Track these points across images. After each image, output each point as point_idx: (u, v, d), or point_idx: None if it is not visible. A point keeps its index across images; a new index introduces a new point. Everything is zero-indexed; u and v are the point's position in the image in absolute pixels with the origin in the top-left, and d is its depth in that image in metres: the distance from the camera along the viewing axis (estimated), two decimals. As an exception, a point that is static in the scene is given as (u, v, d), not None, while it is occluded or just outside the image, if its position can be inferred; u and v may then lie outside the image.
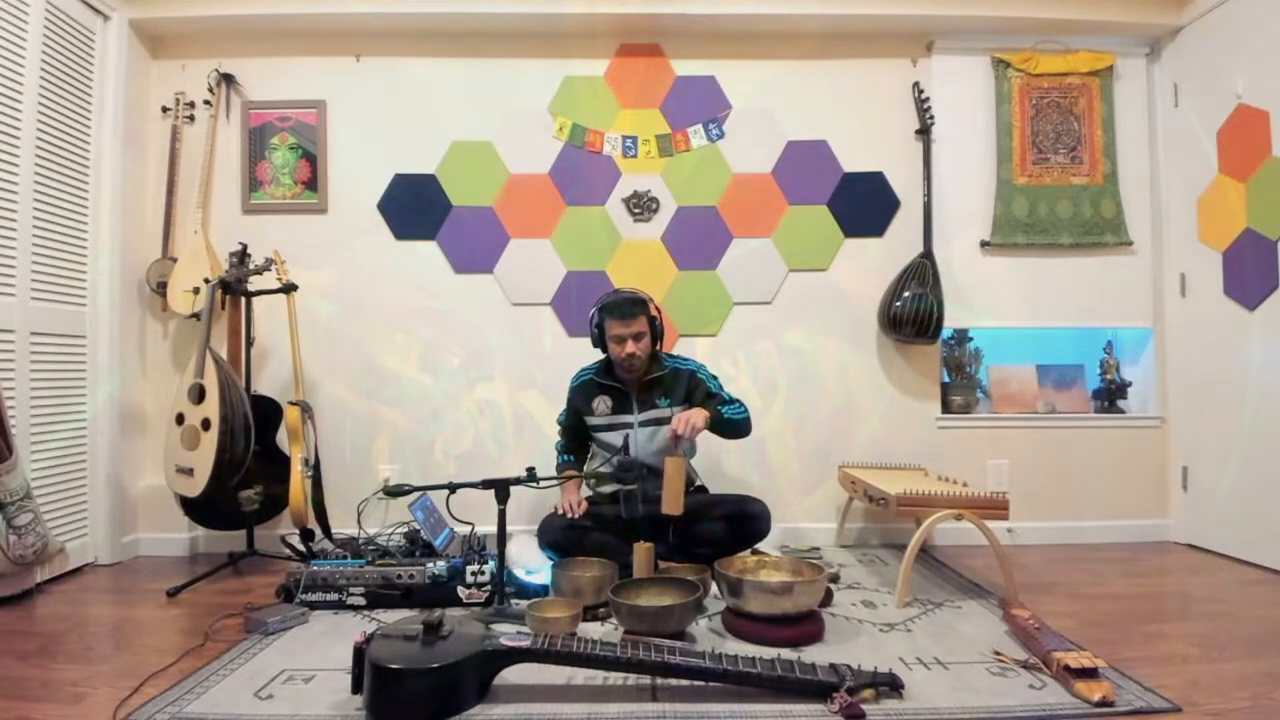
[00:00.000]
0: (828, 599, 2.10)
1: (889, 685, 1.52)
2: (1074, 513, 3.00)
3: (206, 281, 2.65)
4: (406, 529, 2.58)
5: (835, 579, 2.36)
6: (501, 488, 2.08)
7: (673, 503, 2.14)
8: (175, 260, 2.87)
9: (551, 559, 2.29)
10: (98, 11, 2.73)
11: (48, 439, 2.50)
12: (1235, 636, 1.92)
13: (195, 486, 2.37)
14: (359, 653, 1.50)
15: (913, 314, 2.86)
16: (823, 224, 3.05)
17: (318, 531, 2.61)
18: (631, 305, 2.38)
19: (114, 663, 1.78)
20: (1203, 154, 2.86)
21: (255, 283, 2.67)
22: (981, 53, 3.07)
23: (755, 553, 2.27)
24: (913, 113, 3.06)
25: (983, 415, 3.11)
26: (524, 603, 2.04)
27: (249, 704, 1.52)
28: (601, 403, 2.49)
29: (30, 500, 2.25)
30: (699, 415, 2.29)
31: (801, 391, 3.04)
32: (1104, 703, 1.47)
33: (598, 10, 2.87)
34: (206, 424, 2.38)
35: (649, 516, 2.20)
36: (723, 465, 2.95)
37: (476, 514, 2.48)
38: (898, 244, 3.03)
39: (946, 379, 3.13)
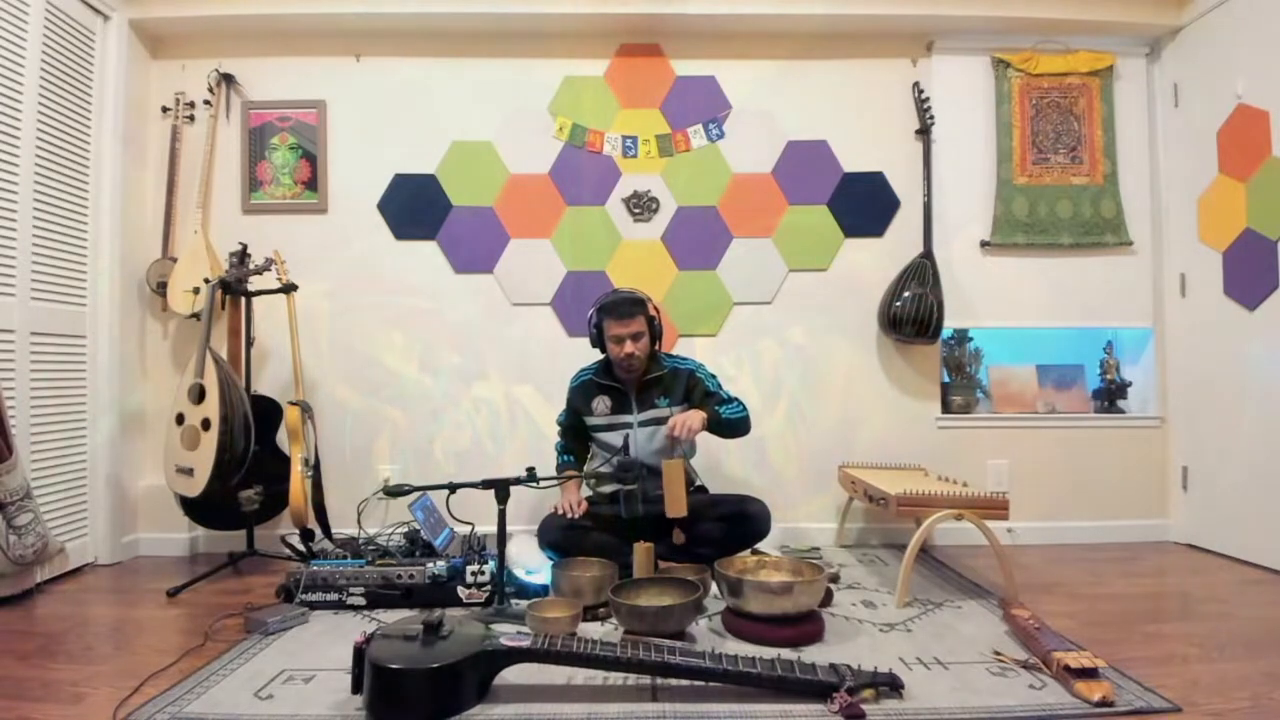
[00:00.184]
0: (828, 599, 2.10)
1: (889, 685, 1.52)
2: (1074, 513, 3.00)
3: (206, 281, 2.65)
4: (406, 529, 2.58)
5: (835, 579, 2.36)
6: (501, 488, 2.08)
7: (676, 505, 2.14)
8: (175, 260, 2.87)
9: (551, 559, 2.29)
10: (98, 11, 2.73)
11: (48, 439, 2.50)
12: (1235, 636, 1.92)
13: (195, 486, 2.37)
14: (359, 653, 1.49)
15: (913, 314, 2.86)
16: (823, 224, 3.05)
17: (318, 531, 2.61)
18: (630, 305, 2.38)
19: (114, 663, 1.78)
20: (1203, 154, 2.86)
21: (255, 283, 2.67)
22: (981, 53, 3.07)
23: (755, 553, 2.27)
24: (913, 113, 3.06)
25: (983, 415, 3.11)
26: (524, 603, 2.04)
27: (249, 704, 1.52)
28: (601, 403, 2.49)
29: (30, 500, 2.25)
30: (696, 417, 2.29)
31: (802, 391, 3.04)
32: (1104, 703, 1.47)
33: (598, 10, 2.87)
34: (206, 424, 2.38)
35: (649, 517, 2.20)
36: (722, 465, 2.95)
37: (476, 514, 2.48)
38: (898, 244, 3.03)
39: (946, 379, 3.13)
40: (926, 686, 1.58)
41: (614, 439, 2.43)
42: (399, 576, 2.16)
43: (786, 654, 1.70)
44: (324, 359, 2.98)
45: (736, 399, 2.47)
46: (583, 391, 2.53)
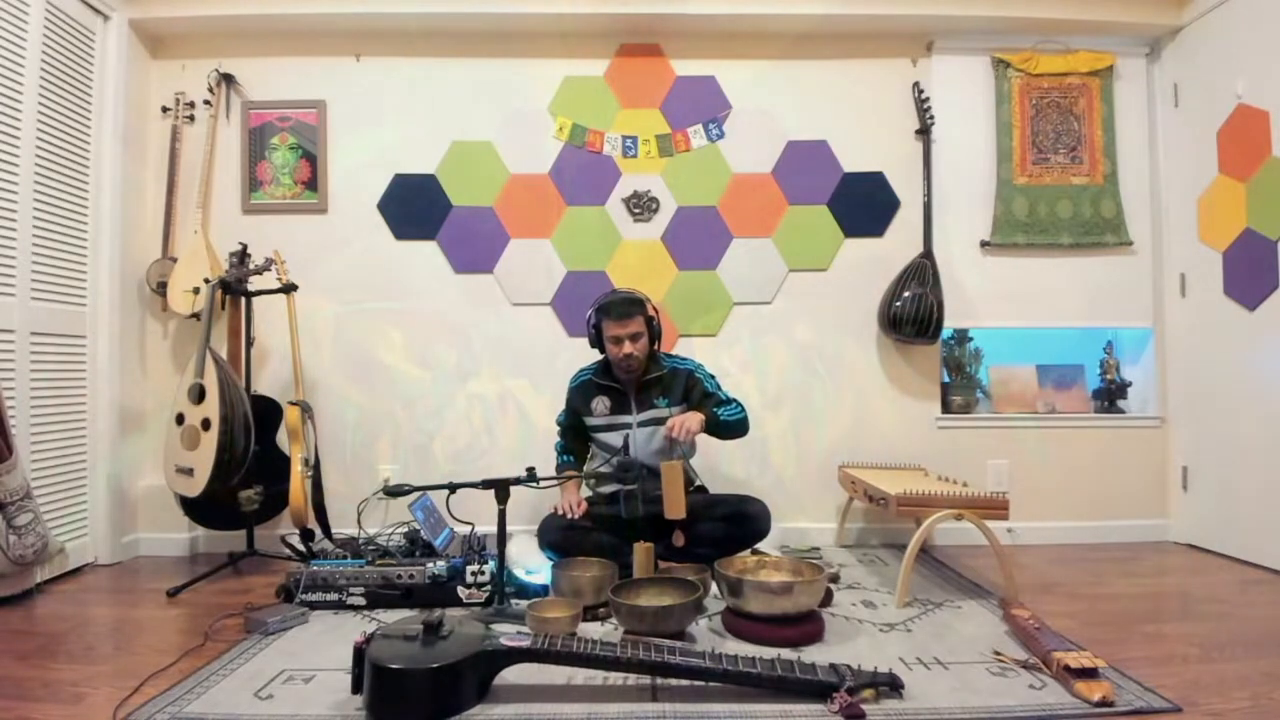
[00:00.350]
0: (828, 599, 2.10)
1: (889, 685, 1.52)
2: (1074, 513, 3.00)
3: (206, 281, 2.65)
4: (406, 529, 2.58)
5: (835, 579, 2.36)
6: (501, 488, 2.09)
7: (674, 507, 2.13)
8: (175, 260, 2.87)
9: (551, 559, 2.29)
10: (98, 11, 2.73)
11: (48, 439, 2.50)
12: (1235, 636, 1.92)
13: (195, 486, 2.37)
14: (359, 653, 1.50)
15: (913, 314, 2.86)
16: (823, 224, 3.05)
17: (318, 531, 2.61)
18: (628, 306, 2.38)
19: (114, 663, 1.78)
20: (1203, 154, 2.86)
21: (255, 283, 2.67)
22: (981, 53, 3.07)
23: (755, 553, 2.27)
24: (913, 113, 3.06)
25: (983, 415, 3.11)
26: (524, 603, 2.04)
27: (249, 704, 1.52)
28: (600, 403, 2.48)
29: (30, 500, 2.25)
30: (693, 418, 2.29)
31: (802, 391, 3.04)
32: (1104, 703, 1.47)
33: (598, 10, 2.87)
34: (206, 424, 2.38)
35: (649, 517, 2.19)
36: (722, 465, 2.95)
37: (476, 514, 2.48)
38: (898, 244, 3.03)
39: (946, 379, 3.13)
40: (926, 686, 1.58)
41: (613, 439, 2.42)
42: (399, 576, 2.16)
43: (786, 654, 1.70)
44: (324, 359, 2.98)
45: (735, 400, 2.47)
46: (582, 392, 2.53)
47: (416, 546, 2.43)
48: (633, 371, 2.43)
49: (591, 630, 1.93)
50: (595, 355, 2.55)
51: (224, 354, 2.58)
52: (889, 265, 2.99)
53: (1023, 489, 2.96)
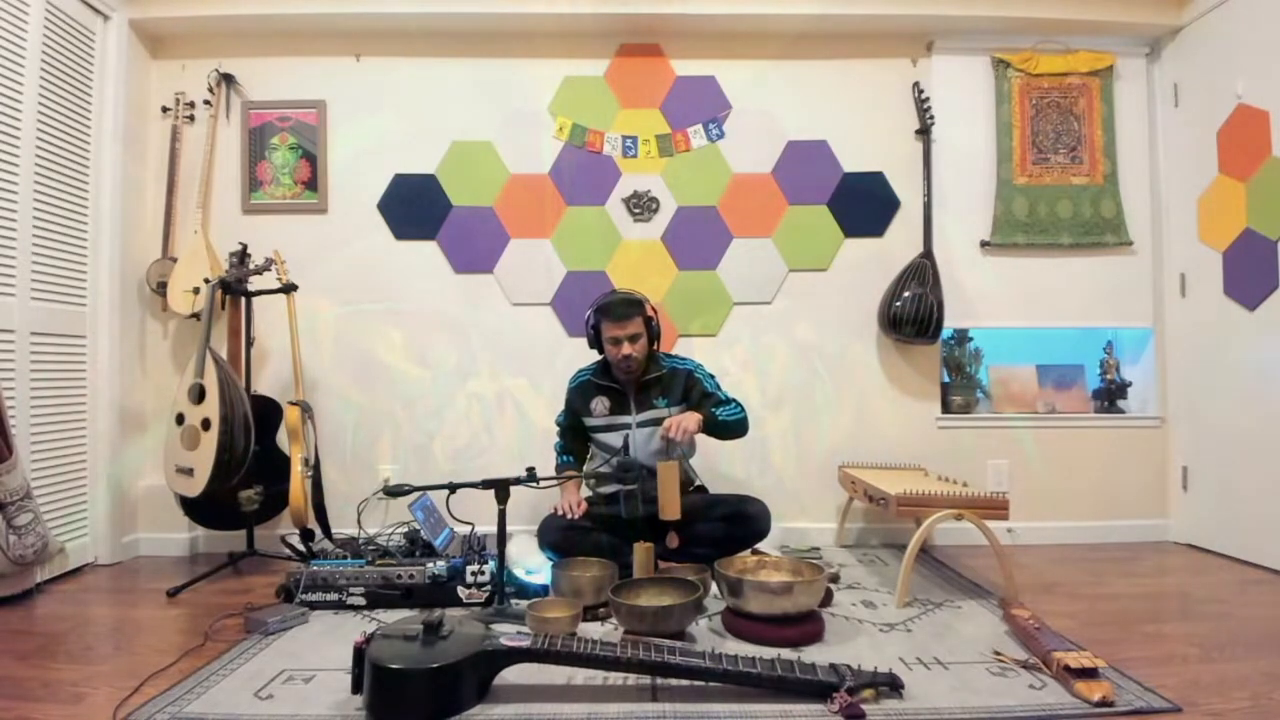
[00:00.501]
0: (828, 599, 2.10)
1: (889, 685, 1.52)
2: (1074, 513, 3.00)
3: (206, 281, 2.65)
4: (406, 529, 2.58)
5: (835, 579, 2.36)
6: (501, 488, 2.09)
7: (669, 508, 2.13)
8: (175, 260, 2.87)
9: (551, 559, 2.29)
10: (98, 11, 2.73)
11: (48, 439, 2.50)
12: (1235, 636, 1.92)
13: (195, 486, 2.37)
14: (359, 653, 1.50)
15: (913, 314, 2.86)
16: (823, 224, 3.05)
17: (318, 531, 2.61)
18: (627, 306, 2.38)
19: (114, 663, 1.78)
20: (1203, 154, 2.86)
21: (255, 283, 2.67)
22: (981, 53, 3.07)
23: (755, 553, 2.27)
24: (913, 113, 3.06)
25: (983, 415, 3.11)
26: (524, 603, 2.04)
27: (249, 704, 1.52)
28: (599, 403, 2.48)
29: (30, 500, 2.25)
30: (691, 419, 2.29)
31: (802, 391, 3.04)
32: (1104, 703, 1.47)
33: (598, 10, 2.87)
34: (206, 424, 2.38)
35: (649, 517, 2.19)
36: (722, 465, 2.95)
37: (476, 514, 2.48)
38: (898, 244, 3.03)
39: (946, 379, 3.13)
40: (926, 686, 1.58)
41: (613, 440, 2.42)
42: (399, 576, 2.16)
43: (786, 654, 1.70)
44: (324, 359, 2.98)
45: (734, 400, 2.47)
46: (581, 392, 2.53)
47: (416, 546, 2.43)
48: (632, 372, 2.43)
49: (591, 630, 1.93)
50: (595, 355, 2.55)
51: (224, 354, 2.58)
52: (889, 265, 2.99)
53: (1023, 489, 2.96)
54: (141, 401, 2.92)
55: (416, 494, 2.27)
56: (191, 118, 2.99)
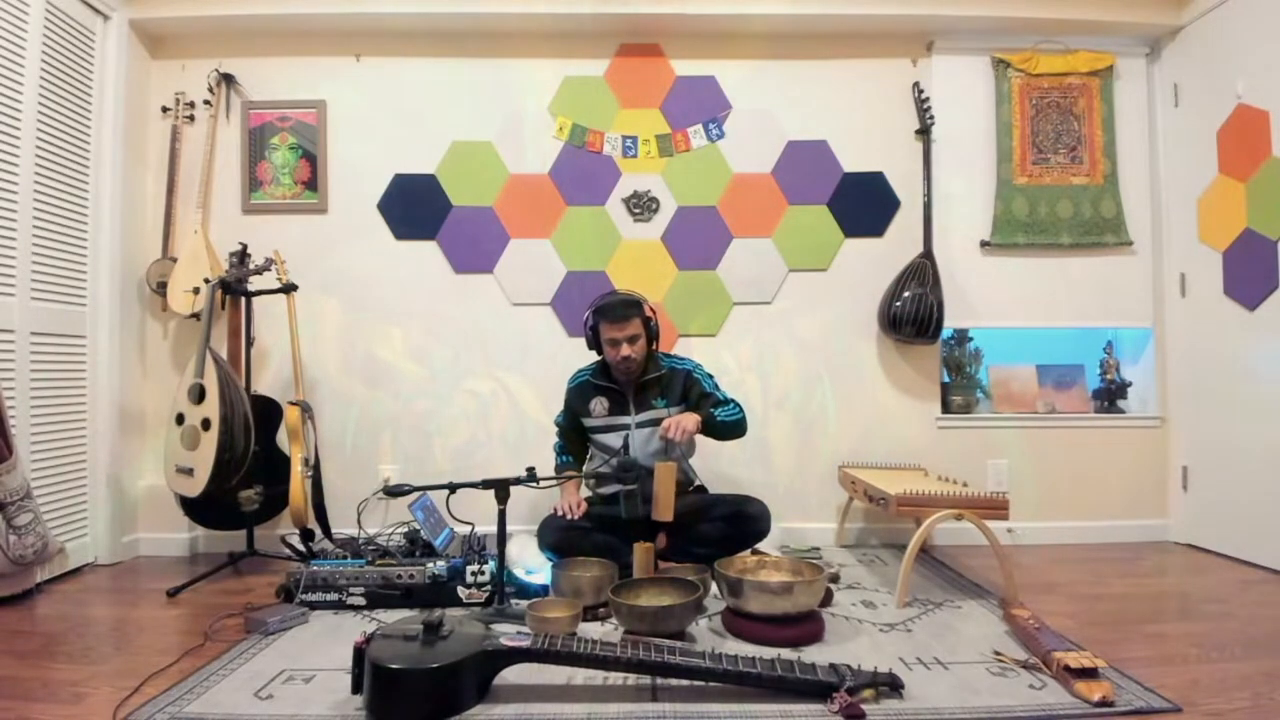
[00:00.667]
0: (828, 599, 2.10)
1: (889, 685, 1.52)
2: (1074, 513, 3.00)
3: (206, 281, 2.65)
4: (406, 529, 2.58)
5: (835, 579, 2.36)
6: (501, 488, 2.08)
7: (664, 509, 2.13)
8: (175, 260, 2.87)
9: (551, 560, 2.29)
10: (98, 11, 2.73)
11: (48, 439, 2.50)
12: (1235, 636, 1.92)
13: (195, 486, 2.37)
14: (359, 653, 1.50)
15: (913, 314, 2.86)
16: (823, 224, 3.05)
17: (318, 531, 2.61)
18: (625, 308, 2.37)
19: (114, 663, 1.78)
20: (1203, 154, 2.86)
21: (255, 283, 2.67)
22: (981, 53, 3.07)
23: (755, 553, 2.27)
24: (913, 113, 3.06)
25: (983, 415, 3.11)
26: (524, 603, 2.04)
27: (249, 704, 1.52)
28: (598, 404, 2.48)
29: (30, 500, 2.25)
30: (690, 419, 2.29)
31: (802, 392, 3.04)
32: (1104, 703, 1.47)
33: (598, 10, 2.87)
34: (206, 424, 2.38)
35: (649, 517, 2.19)
36: (723, 465, 2.95)
37: (476, 514, 2.48)
38: (898, 244, 3.03)
39: (946, 379, 3.13)
40: (926, 686, 1.58)
41: (612, 440, 2.42)
42: (399, 576, 2.16)
43: (786, 654, 1.70)
44: (324, 359, 2.98)
45: (733, 400, 2.46)
46: (580, 393, 2.53)
47: (416, 546, 2.43)
48: (631, 373, 2.42)
49: (591, 630, 1.93)
50: (595, 355, 2.55)
51: (224, 354, 2.58)
52: (889, 265, 2.99)
53: (1023, 489, 2.96)
54: (141, 401, 2.92)
55: (416, 494, 2.27)
56: (191, 118, 2.99)
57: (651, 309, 2.45)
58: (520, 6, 2.86)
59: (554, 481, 2.35)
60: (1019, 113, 3.05)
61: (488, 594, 2.15)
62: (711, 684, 1.57)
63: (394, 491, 2.09)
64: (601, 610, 2.04)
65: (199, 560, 2.78)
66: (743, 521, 2.36)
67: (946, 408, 3.09)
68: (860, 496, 2.57)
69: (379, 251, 3.01)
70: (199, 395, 2.41)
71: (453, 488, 2.11)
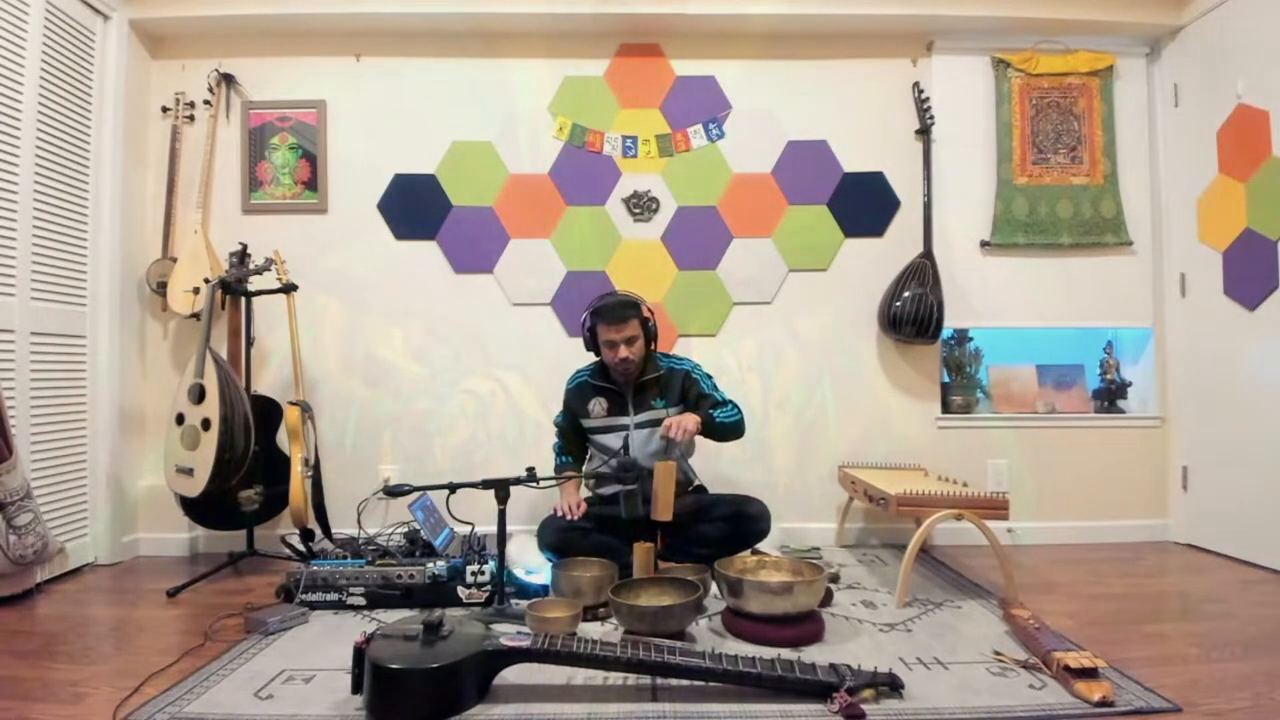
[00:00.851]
0: (828, 599, 2.10)
1: (889, 685, 1.52)
2: (1074, 513, 3.00)
3: (206, 281, 2.65)
4: (406, 529, 2.58)
5: (835, 579, 2.36)
6: (501, 488, 2.08)
7: (663, 509, 2.13)
8: (175, 260, 2.87)
9: (551, 560, 2.29)
10: (98, 11, 2.73)
11: (48, 439, 2.50)
12: (1235, 636, 1.92)
13: (195, 486, 2.37)
14: (359, 653, 1.50)
15: (913, 314, 2.86)
16: (823, 224, 3.05)
17: (318, 531, 2.61)
18: (623, 309, 2.37)
19: (114, 663, 1.78)
20: (1203, 154, 2.86)
21: (255, 283, 2.66)
22: (981, 53, 3.07)
23: (755, 553, 2.27)
24: (913, 113, 3.06)
25: (983, 415, 3.11)
26: (524, 603, 2.04)
27: (249, 704, 1.52)
28: (597, 405, 2.48)
29: (30, 500, 2.25)
30: (690, 419, 2.28)
31: (802, 392, 3.04)
32: (1104, 703, 1.47)
33: (598, 10, 2.87)
34: (206, 424, 2.38)
35: (649, 517, 2.19)
36: (723, 465, 2.95)
37: (476, 514, 2.48)
38: (898, 244, 3.03)
39: (946, 379, 3.13)
40: (926, 686, 1.58)
41: (611, 441, 2.42)
42: (399, 576, 2.16)
43: (786, 654, 1.70)
44: (324, 359, 2.98)
45: (731, 401, 2.46)
46: (579, 393, 2.53)
47: (416, 546, 2.43)
48: (629, 374, 2.42)
49: (591, 630, 1.93)
50: (594, 356, 2.54)
51: (224, 354, 2.57)
52: (889, 265, 2.99)
53: (1023, 489, 2.96)
54: (141, 401, 2.92)
55: (416, 494, 2.27)
56: (191, 118, 2.99)
57: (649, 309, 2.45)
58: (520, 7, 2.86)
59: (554, 482, 2.35)
60: (1019, 113, 3.05)
61: (488, 594, 2.15)
62: (711, 684, 1.57)
63: (394, 491, 2.09)
64: (601, 610, 2.04)
65: (199, 560, 2.78)
66: (743, 521, 2.36)
67: (946, 408, 3.09)
68: (860, 496, 2.57)
69: (379, 251, 3.01)
70: (199, 395, 2.41)
71: (453, 488, 2.11)
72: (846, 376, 3.04)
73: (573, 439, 2.58)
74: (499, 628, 1.78)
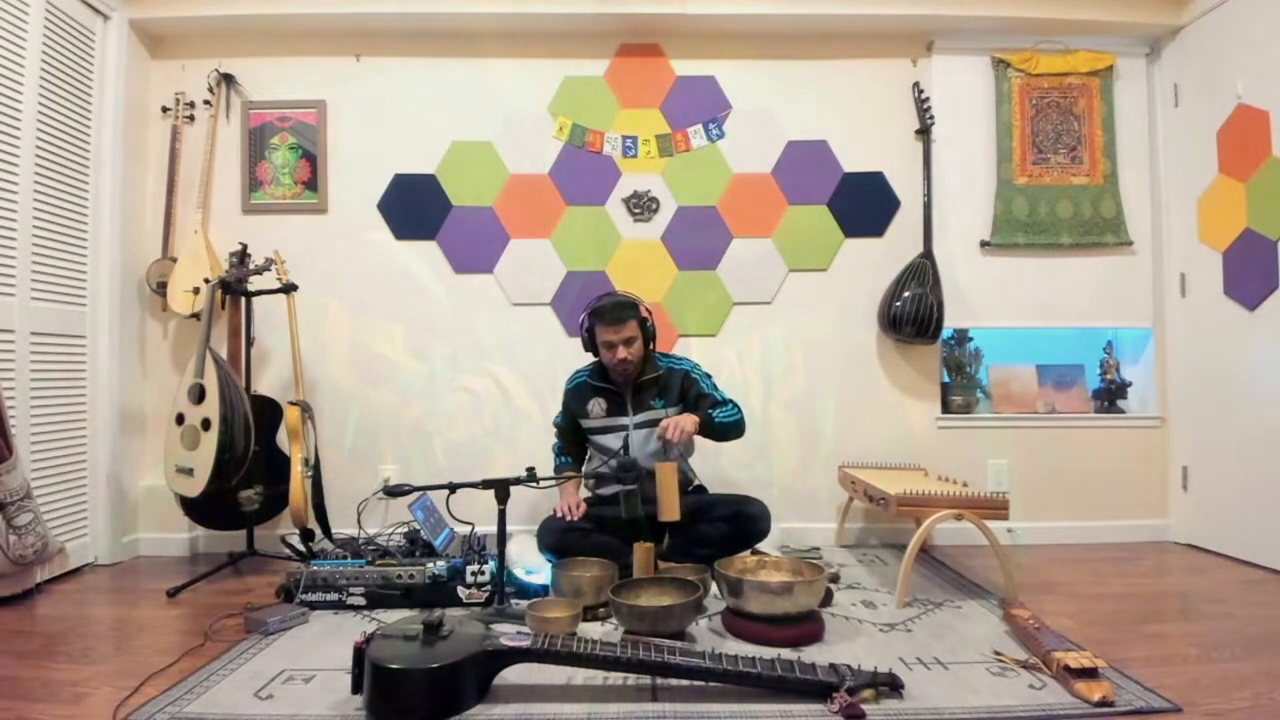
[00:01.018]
0: (828, 599, 2.10)
1: (889, 685, 1.52)
2: (1074, 513, 3.00)
3: (206, 281, 2.65)
4: (406, 529, 2.58)
5: (835, 579, 2.36)
6: (501, 488, 2.08)
7: (668, 509, 2.12)
8: (175, 260, 2.87)
9: (551, 561, 2.29)
10: (98, 11, 2.73)
11: (48, 439, 2.50)
12: (1235, 636, 1.92)
13: (195, 486, 2.37)
14: (359, 653, 1.50)
15: (913, 314, 2.86)
16: (823, 224, 3.05)
17: (318, 531, 2.61)
18: (621, 310, 2.37)
19: (114, 663, 1.78)
20: (1203, 154, 2.86)
21: (255, 283, 2.67)
22: (981, 53, 3.07)
23: (755, 553, 2.27)
24: (913, 113, 3.06)
25: (983, 415, 3.11)
26: (524, 603, 2.04)
27: (249, 704, 1.52)
28: (596, 405, 2.48)
29: (30, 500, 2.25)
30: (688, 420, 2.28)
31: (802, 392, 3.04)
32: (1104, 703, 1.47)
33: (598, 10, 2.87)
34: (206, 424, 2.38)
35: (649, 517, 2.19)
36: (723, 465, 2.95)
37: (476, 514, 2.48)
38: (898, 244, 3.03)
39: (946, 379, 3.13)
40: (926, 686, 1.59)
41: (611, 441, 2.42)
42: (399, 576, 2.16)
43: (786, 654, 1.70)
44: (324, 359, 2.98)
45: (731, 401, 2.46)
46: (578, 394, 2.53)
47: (416, 546, 2.43)
48: (628, 375, 2.42)
49: (591, 630, 1.93)
50: (593, 357, 2.54)
51: (224, 354, 2.58)
52: (889, 265, 2.99)
53: (1023, 489, 2.96)
54: (141, 401, 2.92)
55: (416, 494, 2.27)
56: (191, 118, 2.99)
57: (647, 310, 2.45)
58: (520, 6, 2.86)
59: (553, 482, 2.34)
60: (1019, 113, 3.05)
61: (488, 594, 2.15)
62: (711, 684, 1.57)
63: (394, 491, 2.09)
64: (601, 610, 2.04)
65: (199, 560, 2.78)
66: (743, 522, 2.36)
67: (946, 408, 3.08)
68: (860, 496, 2.57)
69: (379, 251, 3.01)
70: (199, 395, 2.41)
71: (453, 488, 2.11)
72: (846, 377, 3.04)
73: (572, 439, 2.58)
74: (499, 628, 1.78)
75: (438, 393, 3.01)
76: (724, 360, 3.00)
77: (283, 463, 2.58)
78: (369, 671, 1.45)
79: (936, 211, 3.02)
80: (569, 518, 2.34)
